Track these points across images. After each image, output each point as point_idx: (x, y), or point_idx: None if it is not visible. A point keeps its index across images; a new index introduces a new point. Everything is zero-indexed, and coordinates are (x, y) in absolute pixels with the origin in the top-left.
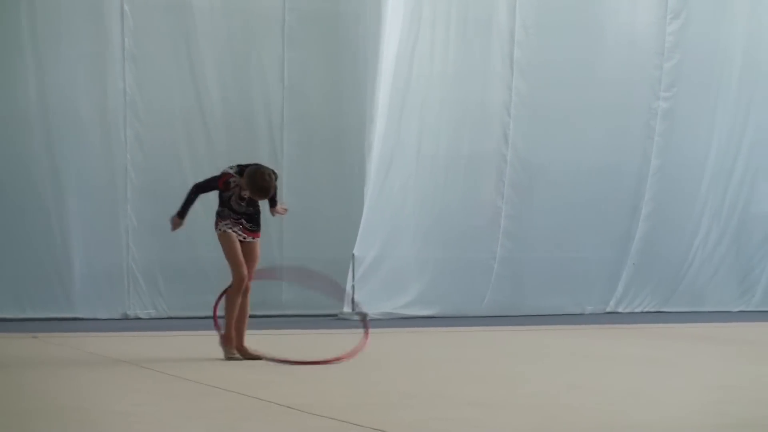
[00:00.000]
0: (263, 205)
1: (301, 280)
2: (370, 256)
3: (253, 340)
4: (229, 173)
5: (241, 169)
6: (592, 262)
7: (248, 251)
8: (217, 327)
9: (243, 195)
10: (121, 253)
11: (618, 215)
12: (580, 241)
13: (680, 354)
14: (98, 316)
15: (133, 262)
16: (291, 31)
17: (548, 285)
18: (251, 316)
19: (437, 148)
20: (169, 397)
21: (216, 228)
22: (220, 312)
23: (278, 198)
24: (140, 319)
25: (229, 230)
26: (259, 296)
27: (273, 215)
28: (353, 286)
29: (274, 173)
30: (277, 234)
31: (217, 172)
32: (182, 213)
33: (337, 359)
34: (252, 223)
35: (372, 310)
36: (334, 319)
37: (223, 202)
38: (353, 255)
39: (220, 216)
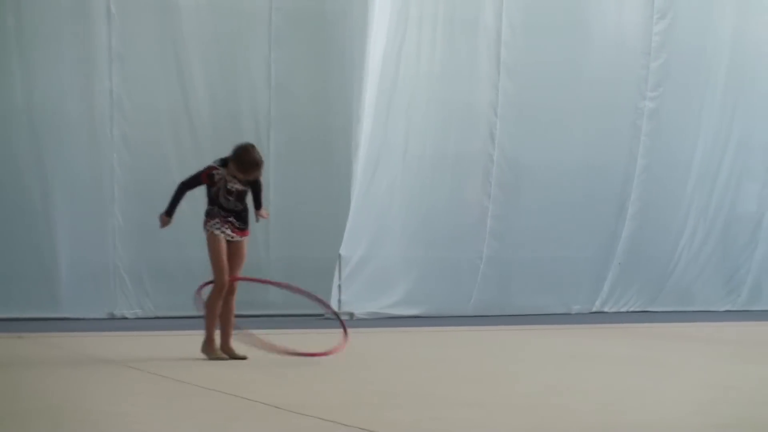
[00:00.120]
0: (251, 203)
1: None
2: (357, 255)
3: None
4: (213, 166)
5: (225, 161)
6: (579, 262)
7: (236, 250)
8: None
9: (230, 188)
10: (107, 252)
11: (604, 215)
12: (566, 241)
13: (667, 353)
14: (85, 316)
15: (120, 262)
16: (278, 30)
17: (535, 285)
18: (237, 316)
19: (424, 148)
20: (156, 396)
21: (204, 227)
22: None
23: (264, 197)
24: (127, 318)
25: (218, 232)
26: (245, 296)
27: (257, 220)
28: (339, 286)
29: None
30: (263, 234)
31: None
32: (170, 211)
33: (320, 354)
34: (240, 221)
35: (358, 309)
36: (320, 319)
37: (212, 200)
38: (340, 255)
39: (209, 215)
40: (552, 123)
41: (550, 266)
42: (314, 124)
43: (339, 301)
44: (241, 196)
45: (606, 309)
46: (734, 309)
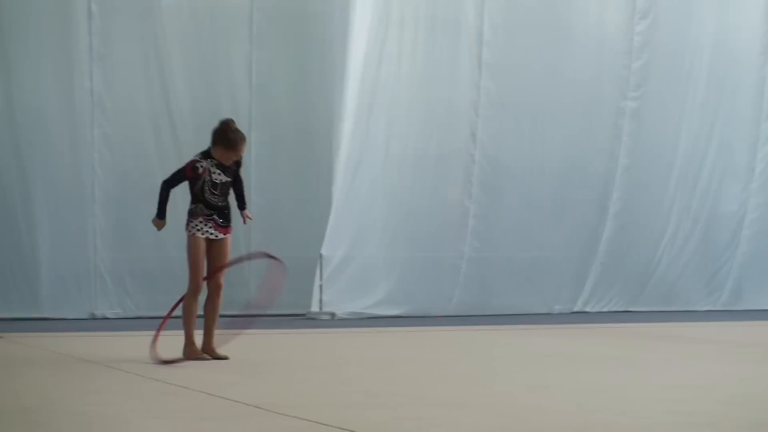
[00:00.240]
0: (231, 201)
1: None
2: (338, 255)
3: (221, 339)
4: (195, 159)
5: (205, 153)
6: (560, 262)
7: (219, 249)
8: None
9: (216, 180)
10: (88, 252)
11: (586, 215)
12: (547, 241)
13: (648, 353)
14: (65, 316)
15: (101, 262)
16: (259, 30)
17: (516, 284)
18: (219, 316)
19: (405, 147)
20: (136, 396)
21: (186, 228)
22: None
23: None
24: (107, 318)
25: (200, 234)
26: (226, 296)
27: (244, 221)
28: (321, 286)
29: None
30: (244, 233)
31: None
32: (160, 213)
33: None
34: (224, 218)
35: (340, 309)
36: (301, 319)
37: (197, 197)
38: (321, 255)
39: (192, 215)
40: (533, 123)
41: (531, 266)
42: (295, 124)
43: (320, 301)
44: (225, 190)
45: (587, 309)
46: (715, 309)
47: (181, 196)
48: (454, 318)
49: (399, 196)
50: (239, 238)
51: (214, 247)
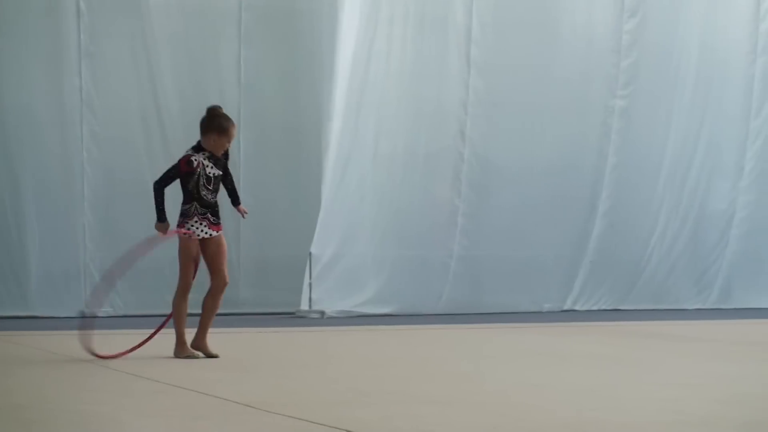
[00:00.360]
0: (221, 197)
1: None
2: (327, 254)
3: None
4: (188, 153)
5: (196, 147)
6: (550, 260)
7: (216, 247)
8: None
9: (209, 174)
10: (77, 250)
11: (575, 213)
12: (537, 239)
13: (639, 351)
14: (55, 315)
15: (90, 260)
16: (247, 29)
17: (505, 283)
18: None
19: (394, 146)
20: (127, 395)
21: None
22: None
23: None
24: (97, 317)
25: (194, 236)
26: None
27: (243, 216)
28: (310, 284)
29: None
30: (234, 232)
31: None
32: (160, 216)
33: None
34: (215, 216)
35: (329, 308)
36: (291, 317)
37: (191, 196)
38: (310, 253)
39: (185, 215)
40: (522, 121)
41: (520, 264)
42: (284, 123)
43: (310, 299)
44: (217, 185)
45: (577, 307)
46: (705, 307)
47: (171, 195)
48: (444, 316)
49: (388, 194)
50: (228, 237)
51: (211, 247)
